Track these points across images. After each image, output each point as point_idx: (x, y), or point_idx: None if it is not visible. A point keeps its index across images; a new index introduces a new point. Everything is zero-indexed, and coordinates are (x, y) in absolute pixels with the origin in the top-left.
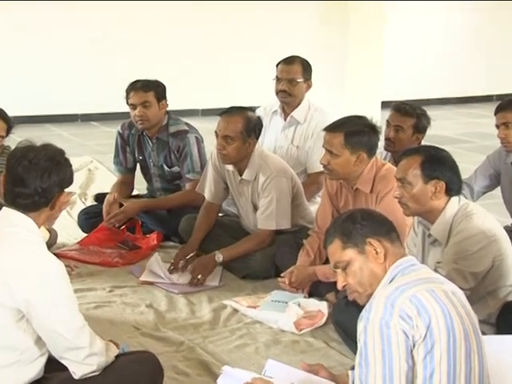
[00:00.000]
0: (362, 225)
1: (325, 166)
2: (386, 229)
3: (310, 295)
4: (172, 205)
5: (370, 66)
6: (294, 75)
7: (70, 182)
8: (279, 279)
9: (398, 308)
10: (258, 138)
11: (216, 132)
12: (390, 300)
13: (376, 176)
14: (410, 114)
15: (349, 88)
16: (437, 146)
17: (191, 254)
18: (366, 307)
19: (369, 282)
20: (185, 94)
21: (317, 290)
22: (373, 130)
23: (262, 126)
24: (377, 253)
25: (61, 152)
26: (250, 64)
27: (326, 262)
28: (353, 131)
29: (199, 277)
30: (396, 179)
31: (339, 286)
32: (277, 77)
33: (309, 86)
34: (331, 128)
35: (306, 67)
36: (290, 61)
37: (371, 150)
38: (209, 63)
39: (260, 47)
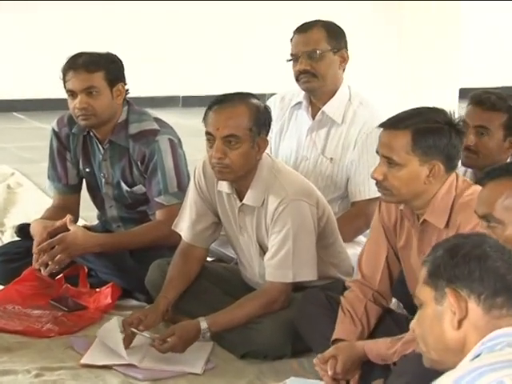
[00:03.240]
0: (459, 266)
1: (378, 183)
2: (494, 288)
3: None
4: (137, 243)
5: (442, 43)
6: (313, 45)
7: None
8: (316, 362)
9: None
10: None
11: (209, 132)
12: None
13: (455, 202)
14: (499, 109)
15: (406, 72)
16: None
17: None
18: None
19: (434, 344)
20: (158, 76)
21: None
22: (454, 129)
23: (271, 119)
24: (454, 314)
25: None
26: (255, 38)
27: (379, 327)
28: (425, 129)
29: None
30: (478, 216)
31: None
32: (291, 54)
33: (343, 60)
34: (392, 123)
35: (333, 32)
36: (306, 27)
37: (451, 161)
38: (195, 35)
39: (269, 16)
